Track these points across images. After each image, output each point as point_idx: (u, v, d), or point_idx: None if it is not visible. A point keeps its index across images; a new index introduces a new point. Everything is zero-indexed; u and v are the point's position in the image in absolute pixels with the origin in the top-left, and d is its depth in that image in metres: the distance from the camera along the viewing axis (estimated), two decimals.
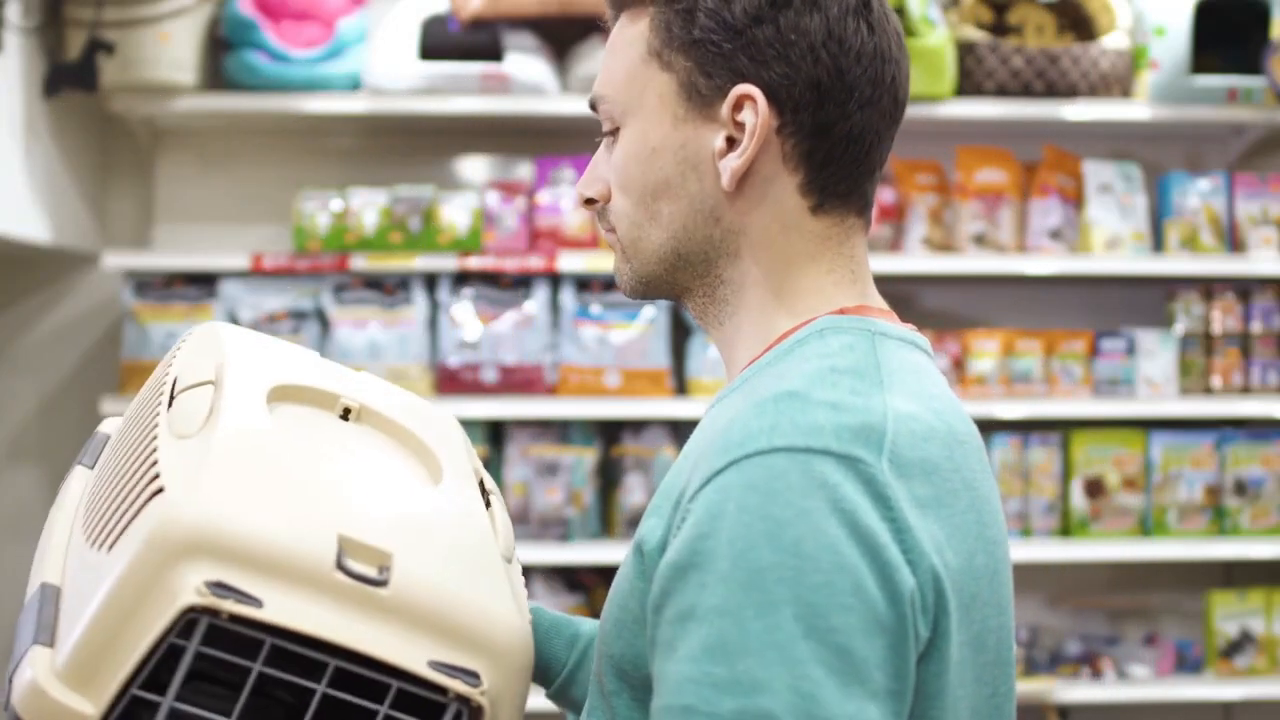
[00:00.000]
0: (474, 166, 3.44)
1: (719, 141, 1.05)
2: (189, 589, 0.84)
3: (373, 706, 0.90)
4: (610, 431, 3.26)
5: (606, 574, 3.26)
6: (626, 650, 0.99)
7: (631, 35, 1.09)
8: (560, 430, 3.23)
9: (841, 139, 1.05)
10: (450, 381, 3.10)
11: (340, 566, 0.89)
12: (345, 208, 3.12)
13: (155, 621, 0.85)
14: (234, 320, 3.14)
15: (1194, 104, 3.20)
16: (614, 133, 1.11)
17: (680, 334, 3.26)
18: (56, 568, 0.94)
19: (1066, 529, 3.27)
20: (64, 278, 3.35)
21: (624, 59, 1.09)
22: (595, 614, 3.22)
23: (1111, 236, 3.26)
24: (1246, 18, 3.26)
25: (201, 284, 3.15)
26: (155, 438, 0.94)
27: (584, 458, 3.16)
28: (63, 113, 3.03)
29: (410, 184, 3.18)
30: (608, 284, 3.17)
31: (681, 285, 1.10)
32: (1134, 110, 3.20)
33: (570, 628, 1.25)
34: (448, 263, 3.08)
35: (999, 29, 3.31)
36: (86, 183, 3.23)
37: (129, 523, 0.88)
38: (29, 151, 2.89)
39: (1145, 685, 3.26)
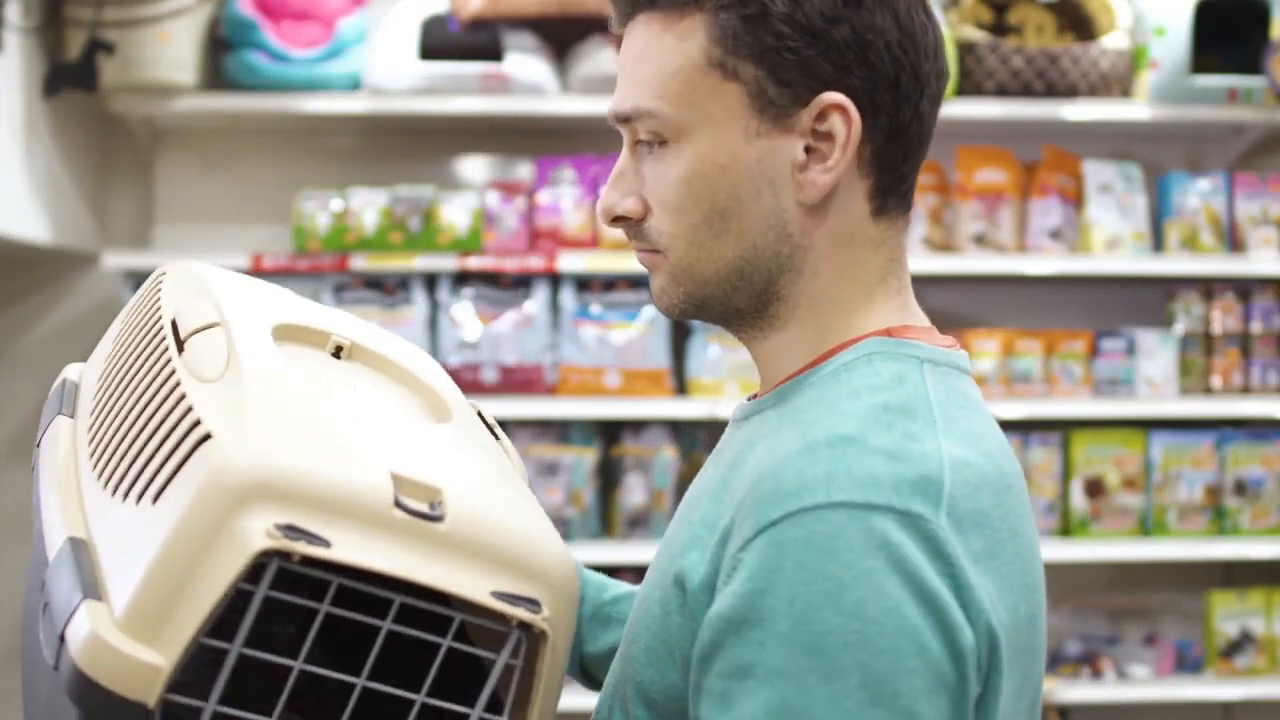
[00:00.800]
0: (474, 166, 3.44)
1: (799, 153, 0.99)
2: (258, 533, 0.83)
3: (436, 640, 0.90)
4: (610, 431, 3.26)
5: (607, 574, 3.26)
6: (658, 680, 0.97)
7: (677, 42, 1.00)
8: (560, 430, 3.23)
9: (915, 138, 1.02)
10: None
11: (398, 503, 0.88)
12: (345, 208, 3.12)
13: (226, 568, 0.83)
14: None
15: (1194, 104, 3.20)
16: (655, 145, 1.02)
17: (680, 334, 3.26)
18: (77, 522, 0.91)
19: (1067, 529, 3.27)
20: (64, 278, 3.35)
21: (671, 68, 1.00)
22: None
23: (1111, 236, 3.26)
24: (1246, 18, 3.26)
25: None
26: (177, 383, 0.91)
27: (584, 458, 3.16)
28: (63, 113, 3.03)
29: (410, 184, 3.18)
30: (608, 284, 3.17)
31: (734, 306, 1.04)
32: (1134, 110, 3.20)
33: (595, 583, 1.27)
34: (448, 263, 3.08)
35: (999, 29, 3.31)
36: (86, 183, 3.23)
37: (174, 472, 0.86)
38: (29, 151, 2.89)
39: (1145, 685, 3.26)
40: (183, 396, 0.89)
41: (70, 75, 2.90)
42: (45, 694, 0.88)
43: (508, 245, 3.15)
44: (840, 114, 0.98)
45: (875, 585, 0.86)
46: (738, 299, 1.03)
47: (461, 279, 3.16)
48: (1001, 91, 3.16)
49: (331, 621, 0.89)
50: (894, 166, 1.02)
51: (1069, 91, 3.16)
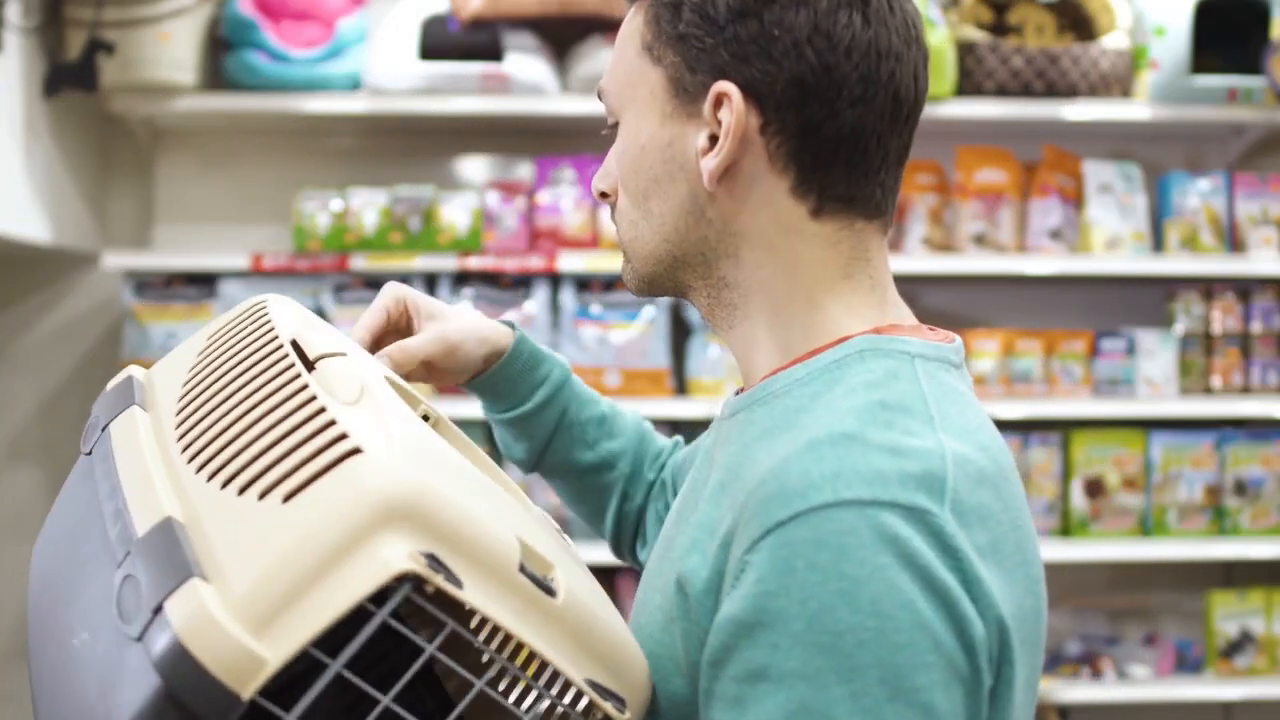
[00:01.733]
0: (474, 166, 3.44)
1: (702, 140, 1.02)
2: (401, 555, 0.82)
3: (514, 710, 0.91)
4: None
5: (607, 574, 3.26)
6: (663, 687, 0.97)
7: (631, 28, 1.07)
8: None
9: (831, 139, 1.00)
10: None
11: (522, 568, 0.89)
12: (345, 208, 3.12)
13: (360, 582, 0.81)
14: None
15: (1194, 104, 3.20)
16: (614, 126, 1.10)
17: (680, 334, 3.26)
18: (174, 505, 0.89)
19: (1066, 529, 3.27)
20: (64, 278, 3.35)
21: (623, 52, 1.08)
22: None
23: (1111, 236, 3.26)
24: (1246, 18, 3.26)
25: (201, 284, 3.15)
26: (313, 396, 0.90)
27: None
28: (63, 113, 3.03)
29: (410, 184, 3.19)
30: (608, 284, 3.17)
31: (684, 284, 1.08)
32: (1134, 110, 3.21)
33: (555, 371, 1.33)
34: (448, 263, 3.08)
35: (999, 29, 3.31)
36: (86, 183, 3.24)
37: (313, 477, 0.85)
38: (29, 151, 2.89)
39: (1145, 685, 3.26)
40: (322, 409, 0.89)
41: (70, 75, 2.90)
42: (96, 672, 0.85)
43: (508, 245, 3.15)
44: (728, 101, 1.01)
45: (888, 581, 0.86)
46: (683, 277, 1.08)
47: (461, 279, 3.16)
48: (1001, 91, 3.16)
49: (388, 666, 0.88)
50: (814, 166, 1.01)
51: (1069, 91, 3.16)
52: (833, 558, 0.87)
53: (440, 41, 3.12)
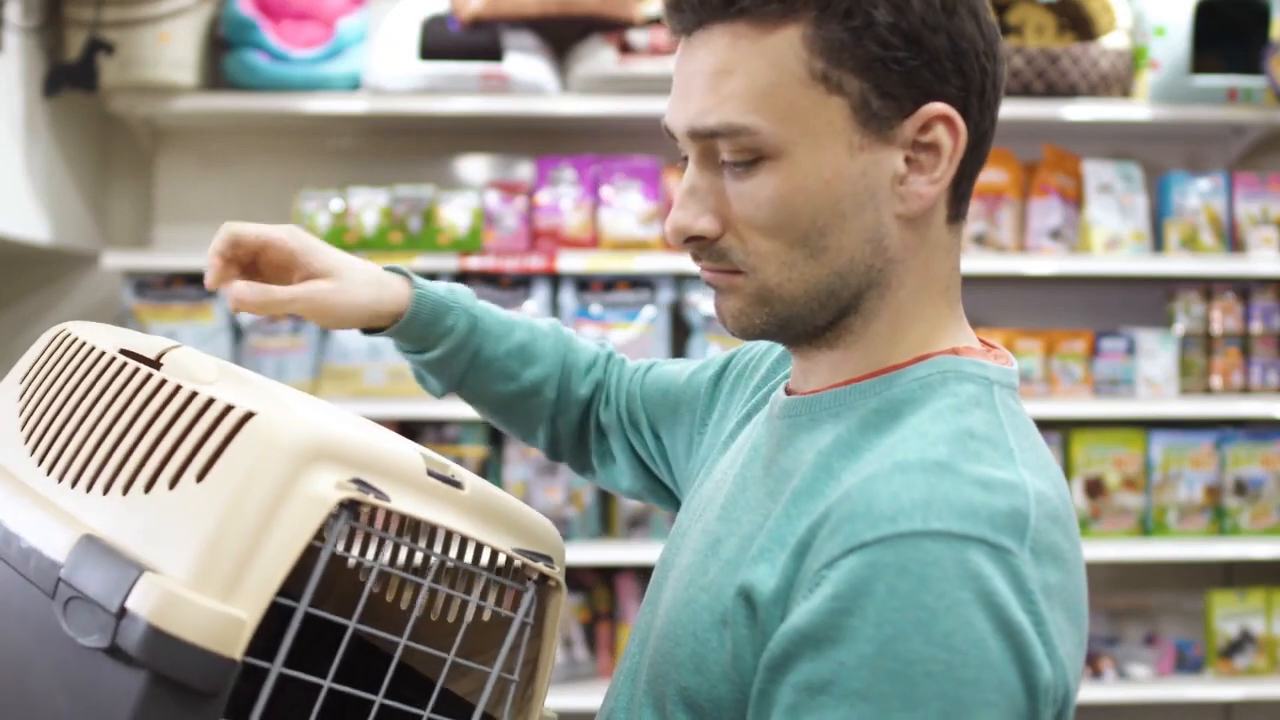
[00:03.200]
0: (474, 166, 3.44)
1: (900, 165, 0.97)
2: (332, 487, 0.88)
3: (462, 596, 1.01)
4: None
5: (606, 574, 3.26)
6: (704, 688, 0.97)
7: (770, 53, 0.96)
8: None
9: (988, 144, 1.02)
10: None
11: (429, 473, 0.96)
12: (345, 208, 3.12)
13: (304, 523, 0.87)
14: (234, 320, 3.14)
15: (1194, 104, 3.20)
16: (746, 164, 0.98)
17: (680, 334, 3.26)
18: (79, 527, 0.92)
19: None
20: (64, 278, 3.35)
21: (766, 81, 0.96)
22: (595, 614, 3.22)
23: (1111, 236, 3.26)
24: (1246, 18, 3.26)
25: (201, 284, 3.14)
26: (177, 386, 0.94)
27: None
28: (63, 113, 3.03)
29: (410, 184, 3.18)
30: (608, 284, 3.17)
31: (815, 325, 1.02)
32: (1134, 110, 3.21)
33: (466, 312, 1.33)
34: (448, 263, 3.08)
35: (999, 29, 3.31)
36: (86, 183, 3.24)
37: (217, 451, 0.89)
38: (29, 151, 2.89)
39: (1145, 685, 3.26)
40: (194, 393, 0.93)
41: (70, 75, 2.90)
42: (66, 697, 0.87)
43: (508, 245, 3.15)
44: (946, 124, 0.97)
45: (964, 617, 0.86)
46: (821, 317, 1.01)
47: (461, 279, 3.16)
48: None
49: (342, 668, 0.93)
50: (972, 172, 1.02)
51: (1069, 91, 3.16)
52: (914, 586, 0.86)
53: (440, 41, 3.12)
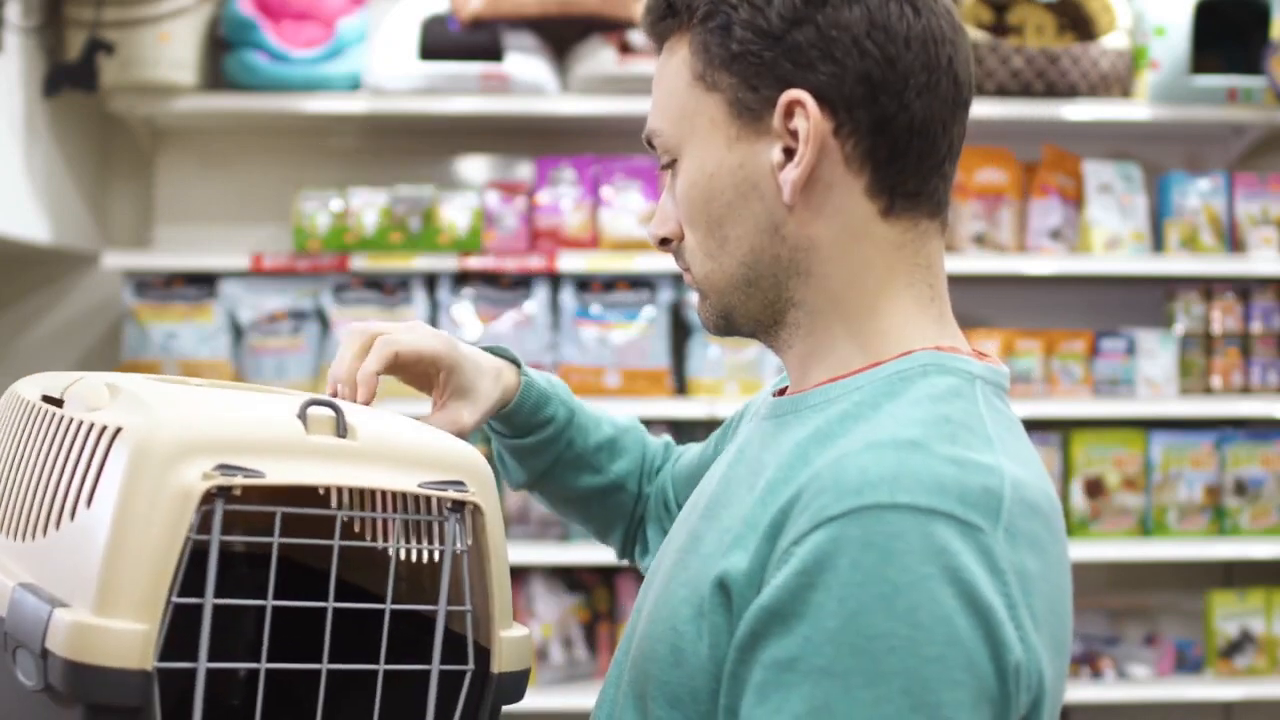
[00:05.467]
0: (474, 166, 3.44)
1: (775, 154, 1.01)
2: (198, 479, 0.89)
3: (380, 546, 1.03)
4: None
5: (606, 574, 3.26)
6: (684, 680, 0.97)
7: (675, 63, 1.05)
8: None
9: (904, 131, 1.00)
10: None
11: (308, 431, 0.96)
12: (345, 208, 3.12)
13: (179, 521, 0.89)
14: (234, 320, 3.15)
15: (1194, 104, 3.20)
16: (673, 166, 1.06)
17: (680, 334, 3.26)
18: (15, 577, 0.96)
19: (1066, 529, 3.26)
20: (64, 278, 3.35)
21: (670, 88, 1.05)
22: (595, 614, 3.23)
23: (1111, 236, 3.26)
24: (1246, 18, 3.26)
25: (201, 284, 3.15)
26: (71, 419, 0.97)
27: None
28: (63, 113, 3.03)
29: (410, 184, 3.18)
30: (608, 284, 3.17)
31: (753, 316, 1.06)
32: (1134, 110, 3.21)
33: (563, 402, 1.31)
34: (448, 263, 3.08)
35: (999, 29, 3.31)
36: (86, 183, 3.24)
37: (98, 475, 0.92)
38: (29, 151, 2.89)
39: (1145, 685, 3.26)
40: (81, 423, 0.96)
41: (70, 75, 2.90)
42: None
43: (508, 245, 3.15)
44: (801, 109, 0.99)
45: (929, 592, 0.85)
46: (753, 307, 1.05)
47: (461, 279, 3.17)
48: (1001, 91, 3.16)
49: (280, 614, 0.95)
50: (889, 161, 1.00)
51: (1069, 91, 3.16)
52: (877, 560, 0.86)
53: (440, 41, 3.12)
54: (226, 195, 3.37)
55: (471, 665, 0.99)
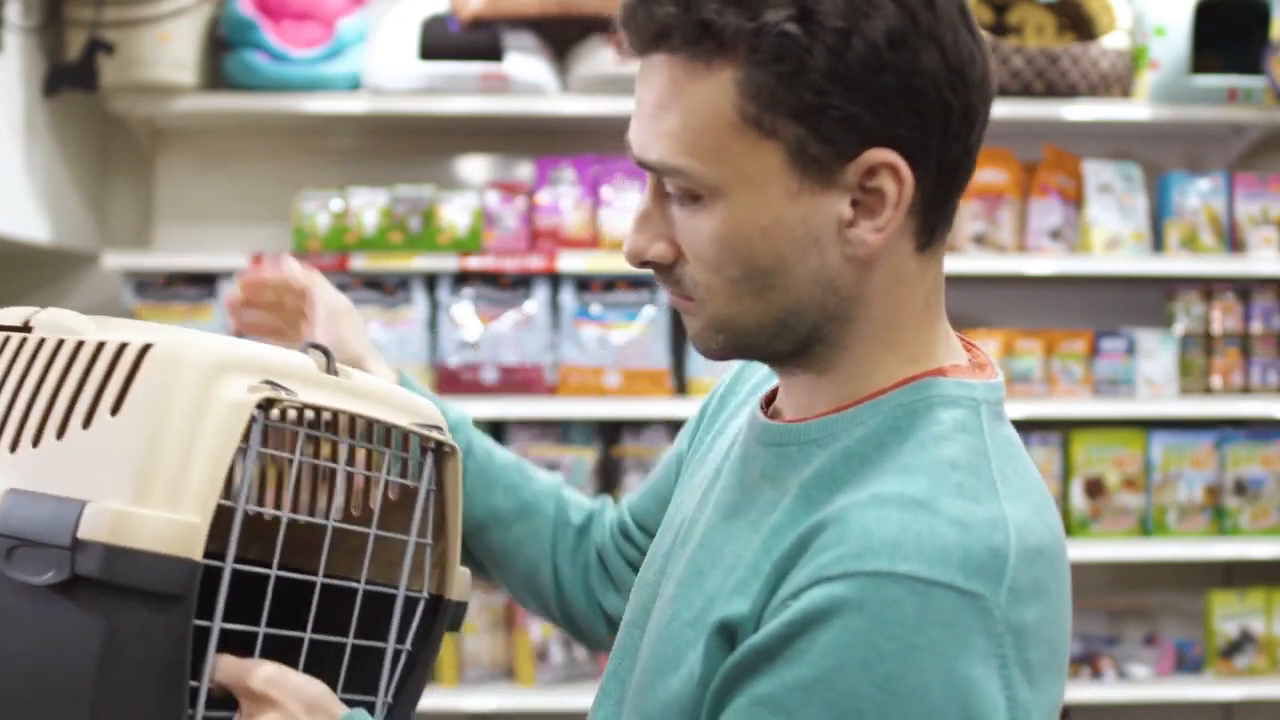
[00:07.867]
0: (474, 166, 3.44)
1: (845, 210, 0.93)
2: (245, 392, 0.95)
3: (374, 475, 1.09)
4: (610, 432, 3.26)
5: None
6: (674, 703, 0.96)
7: (705, 93, 0.92)
8: (560, 430, 3.23)
9: (963, 174, 0.95)
10: (450, 382, 3.09)
11: (322, 369, 1.05)
12: (345, 208, 3.12)
13: (231, 428, 0.94)
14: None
15: (1194, 104, 3.20)
16: (690, 199, 0.95)
17: (680, 334, 3.25)
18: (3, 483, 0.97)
19: (1066, 529, 3.24)
20: (64, 278, 3.35)
21: (699, 123, 0.92)
22: None
23: (1111, 236, 3.26)
24: (1246, 18, 3.26)
25: (201, 284, 3.15)
26: (59, 341, 0.98)
27: (584, 458, 3.16)
28: (63, 113, 3.03)
29: (410, 184, 3.19)
30: (608, 284, 3.17)
31: (776, 351, 0.99)
32: (1134, 110, 3.21)
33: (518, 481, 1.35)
34: (448, 263, 3.08)
35: (999, 29, 3.31)
36: (86, 183, 3.24)
37: (125, 384, 0.94)
38: (29, 151, 2.89)
39: (1145, 685, 3.26)
40: (80, 343, 0.98)
41: (70, 75, 2.90)
42: (28, 643, 0.91)
43: (508, 245, 3.15)
44: (890, 172, 0.92)
45: (913, 663, 0.85)
46: (780, 346, 0.98)
47: (461, 279, 3.16)
48: (1001, 91, 3.15)
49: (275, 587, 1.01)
50: (942, 204, 0.96)
51: (1069, 91, 3.16)
52: (867, 625, 0.86)
53: (440, 41, 3.12)
54: (226, 195, 3.37)
55: (427, 594, 1.11)
